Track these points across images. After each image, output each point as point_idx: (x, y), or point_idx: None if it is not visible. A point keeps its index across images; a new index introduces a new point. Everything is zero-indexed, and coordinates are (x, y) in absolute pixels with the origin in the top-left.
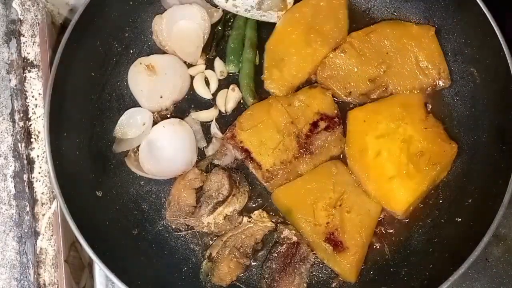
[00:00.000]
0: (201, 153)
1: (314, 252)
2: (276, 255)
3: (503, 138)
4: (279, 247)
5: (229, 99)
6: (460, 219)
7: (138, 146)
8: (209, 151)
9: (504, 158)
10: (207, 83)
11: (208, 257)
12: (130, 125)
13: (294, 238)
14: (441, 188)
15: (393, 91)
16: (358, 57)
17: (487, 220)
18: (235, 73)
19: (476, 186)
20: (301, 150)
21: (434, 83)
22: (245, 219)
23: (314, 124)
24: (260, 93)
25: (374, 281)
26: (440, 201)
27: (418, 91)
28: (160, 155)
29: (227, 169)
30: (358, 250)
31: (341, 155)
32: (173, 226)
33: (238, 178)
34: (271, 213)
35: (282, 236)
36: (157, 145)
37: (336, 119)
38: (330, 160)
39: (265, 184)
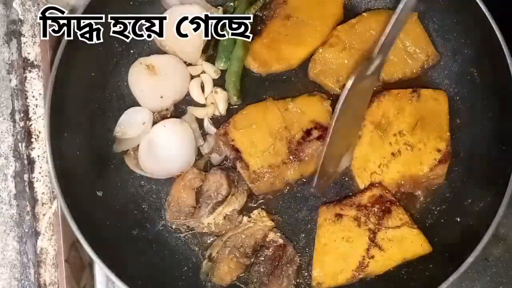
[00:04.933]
0: (198, 152)
1: (299, 254)
2: (263, 258)
3: (503, 138)
4: (266, 250)
5: (217, 101)
6: (460, 219)
7: (138, 145)
8: (205, 149)
9: (504, 158)
10: (203, 88)
11: (208, 257)
12: (130, 125)
13: (280, 241)
14: (441, 189)
15: (385, 78)
16: (347, 49)
17: (487, 220)
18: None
19: (476, 186)
20: (290, 157)
21: (424, 65)
22: (245, 218)
23: (307, 132)
24: (247, 94)
25: (374, 281)
26: (440, 201)
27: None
28: (159, 154)
29: (225, 169)
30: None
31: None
32: (173, 227)
33: (236, 178)
34: (273, 211)
35: (267, 239)
36: (157, 144)
37: None
38: None
39: (250, 185)
